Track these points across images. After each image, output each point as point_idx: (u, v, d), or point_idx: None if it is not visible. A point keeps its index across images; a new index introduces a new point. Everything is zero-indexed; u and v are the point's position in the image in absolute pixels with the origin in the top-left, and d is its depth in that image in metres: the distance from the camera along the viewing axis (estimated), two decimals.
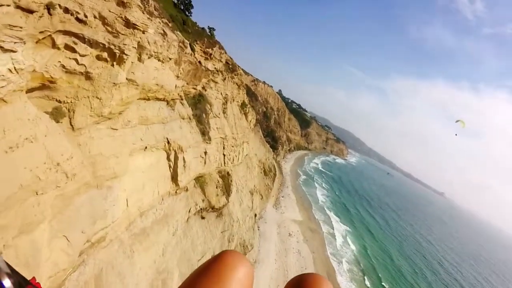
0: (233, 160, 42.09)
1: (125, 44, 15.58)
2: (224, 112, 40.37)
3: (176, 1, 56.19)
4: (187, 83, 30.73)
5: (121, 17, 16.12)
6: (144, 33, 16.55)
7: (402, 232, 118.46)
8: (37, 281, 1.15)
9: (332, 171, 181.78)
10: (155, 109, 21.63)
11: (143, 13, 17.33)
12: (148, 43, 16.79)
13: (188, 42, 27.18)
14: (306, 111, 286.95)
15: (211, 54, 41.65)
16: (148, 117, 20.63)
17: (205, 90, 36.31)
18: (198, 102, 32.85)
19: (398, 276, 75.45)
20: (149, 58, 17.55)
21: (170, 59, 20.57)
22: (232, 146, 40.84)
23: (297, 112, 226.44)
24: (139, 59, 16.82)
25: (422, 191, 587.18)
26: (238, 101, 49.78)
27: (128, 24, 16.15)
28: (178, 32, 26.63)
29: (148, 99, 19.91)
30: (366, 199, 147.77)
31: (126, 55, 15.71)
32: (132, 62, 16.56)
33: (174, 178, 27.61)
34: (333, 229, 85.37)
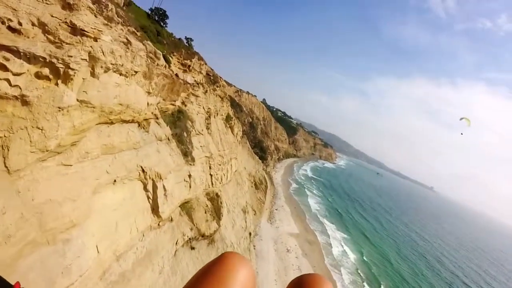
0: (221, 179, 38.39)
1: (71, 56, 11.98)
2: (208, 128, 36.82)
3: (150, 12, 52.90)
4: (163, 99, 27.13)
5: (66, 22, 12.57)
6: (96, 40, 12.99)
7: (397, 232, 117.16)
8: (21, 286, 1.10)
9: (322, 177, 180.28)
10: (123, 134, 17.94)
11: (96, 16, 13.81)
12: (103, 53, 13.20)
13: (160, 53, 23.66)
14: (292, 118, 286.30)
15: (189, 66, 38.24)
16: (114, 145, 16.90)
17: (185, 106, 32.74)
18: (177, 120, 29.23)
19: (400, 281, 73.33)
20: (106, 72, 13.94)
21: (135, 72, 16.99)
22: (219, 165, 37.17)
23: (283, 120, 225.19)
24: (93, 74, 13.20)
25: (412, 188, 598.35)
26: (222, 114, 46.31)
27: (75, 30, 12.59)
28: (149, 43, 23.14)
29: (112, 123, 16.22)
30: (359, 202, 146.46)
31: (73, 69, 12.10)
32: (83, 79, 12.93)
33: (155, 209, 23.78)
34: (330, 238, 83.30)
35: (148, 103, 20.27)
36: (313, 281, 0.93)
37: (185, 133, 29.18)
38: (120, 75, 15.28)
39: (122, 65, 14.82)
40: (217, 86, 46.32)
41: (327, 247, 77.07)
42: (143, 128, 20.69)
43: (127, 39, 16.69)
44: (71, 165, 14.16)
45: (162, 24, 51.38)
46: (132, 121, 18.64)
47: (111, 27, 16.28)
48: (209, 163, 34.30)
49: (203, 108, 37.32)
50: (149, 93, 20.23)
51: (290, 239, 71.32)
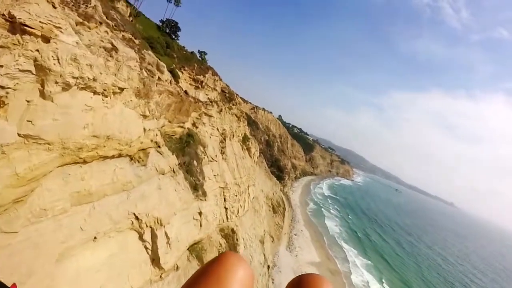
0: (238, 211, 33.13)
1: (0, 66, 7.25)
2: (222, 153, 31.91)
3: (160, 24, 49.31)
4: (169, 121, 22.40)
5: (4, 15, 7.90)
6: (48, 42, 8.29)
7: (419, 255, 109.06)
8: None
9: (339, 195, 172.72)
10: (107, 174, 13.09)
11: (55, 7, 9.14)
12: (59, 61, 8.45)
13: (164, 66, 19.09)
14: (308, 135, 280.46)
15: (202, 82, 33.74)
16: (91, 191, 12.02)
17: (196, 127, 27.97)
18: (186, 145, 24.39)
19: None
20: (65, 90, 9.15)
21: (121, 89, 12.26)
22: (236, 195, 31.99)
23: (299, 136, 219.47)
24: (43, 94, 8.45)
25: (432, 203, 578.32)
26: (239, 135, 41.43)
27: (15, 27, 7.90)
28: (150, 53, 18.58)
29: (85, 162, 11.40)
30: (377, 221, 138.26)
31: (5, 88, 7.35)
32: (27, 102, 8.18)
33: (155, 260, 18.73)
34: (351, 265, 77.22)
35: (144, 129, 15.49)
36: (313, 281, 0.92)
37: (195, 161, 24.27)
38: (94, 93, 10.49)
39: (95, 80, 10.03)
40: (233, 104, 41.67)
41: (349, 275, 70.98)
42: (138, 162, 15.84)
43: (112, 44, 12.06)
44: (16, 232, 9.32)
45: (173, 36, 47.62)
46: (120, 155, 13.81)
47: (89, 27, 11.62)
48: (223, 195, 29.17)
49: (217, 129, 32.52)
50: (144, 116, 15.41)
51: (311, 269, 64.82)
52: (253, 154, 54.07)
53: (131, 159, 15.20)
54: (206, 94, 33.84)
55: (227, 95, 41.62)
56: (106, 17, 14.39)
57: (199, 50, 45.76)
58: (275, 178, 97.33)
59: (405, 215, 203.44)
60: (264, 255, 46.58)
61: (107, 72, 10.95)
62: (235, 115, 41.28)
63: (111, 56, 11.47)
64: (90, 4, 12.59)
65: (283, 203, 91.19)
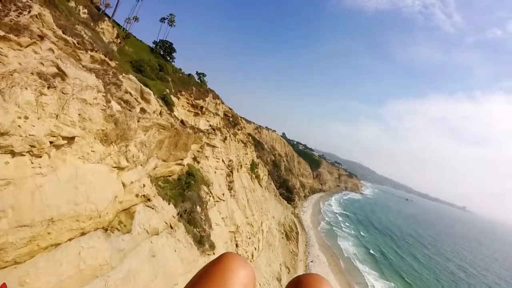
0: (252, 255, 28.12)
1: None
2: (230, 189, 27.25)
3: (154, 46, 45.66)
4: (163, 160, 17.91)
5: None
6: None
7: (438, 269, 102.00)
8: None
9: (351, 211, 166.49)
10: (69, 262, 8.52)
11: None
12: None
13: (150, 93, 14.79)
14: (313, 151, 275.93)
15: (202, 107, 29.50)
16: None
17: (198, 162, 23.44)
18: (186, 187, 19.77)
19: None
20: None
21: (70, 138, 7.84)
22: (249, 238, 27.07)
23: (305, 153, 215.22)
24: None
25: (444, 209, 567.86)
26: (246, 164, 36.86)
27: None
28: (132, 77, 14.32)
29: (17, 263, 6.85)
30: (390, 236, 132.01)
31: None
32: None
33: None
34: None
35: (124, 184, 11.04)
36: (312, 281, 0.91)
37: (198, 206, 19.62)
38: (13, 155, 6.05)
39: (7, 133, 5.59)
40: (238, 129, 37.31)
41: None
42: (118, 230, 11.30)
43: (58, 68, 7.80)
44: None
45: (168, 58, 43.91)
46: (84, 233, 9.25)
47: (19, 44, 7.36)
48: (235, 241, 24.28)
49: (223, 161, 27.98)
50: (120, 168, 10.88)
51: None
52: (262, 179, 49.47)
53: (107, 230, 10.62)
54: (208, 121, 29.55)
55: (230, 119, 37.37)
56: (63, 31, 10.14)
57: (197, 72, 41.79)
58: (285, 201, 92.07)
59: (417, 225, 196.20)
60: None
61: (39, 115, 6.59)
62: (241, 141, 36.84)
63: (51, 86, 7.16)
64: (28, 12, 8.33)
65: (295, 227, 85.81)
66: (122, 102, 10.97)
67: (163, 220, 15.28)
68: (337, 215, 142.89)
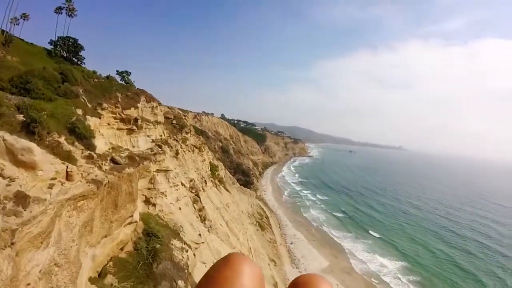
0: None
1: None
2: (204, 220, 20.28)
3: (52, 47, 34.82)
4: (104, 237, 10.40)
5: None
6: None
7: (398, 213, 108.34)
8: None
9: (304, 177, 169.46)
10: None
11: None
12: None
13: (33, 148, 7.18)
14: (255, 125, 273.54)
15: (137, 120, 21.50)
16: None
17: (153, 205, 16.00)
18: (153, 258, 12.51)
19: (469, 277, 63.42)
20: None
21: None
22: None
23: (248, 130, 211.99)
24: None
25: (384, 153, 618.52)
26: (207, 172, 29.75)
27: None
28: None
29: None
30: (346, 193, 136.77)
31: None
32: None
33: None
34: (356, 252, 72.24)
35: None
36: (312, 281, 0.92)
37: (180, 280, 12.57)
38: None
39: None
40: (187, 132, 29.67)
41: (359, 264, 66.10)
42: None
43: None
44: None
45: (75, 59, 33.82)
46: None
47: None
48: None
49: (183, 185, 20.69)
50: None
51: (327, 277, 55.97)
52: (223, 178, 42.87)
53: None
54: (148, 136, 21.74)
55: (174, 122, 29.46)
56: None
57: (118, 71, 32.32)
58: (247, 189, 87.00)
59: (366, 174, 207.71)
60: None
61: None
62: (194, 146, 29.37)
63: None
64: None
65: (264, 212, 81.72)
66: None
67: None
68: (293, 185, 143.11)
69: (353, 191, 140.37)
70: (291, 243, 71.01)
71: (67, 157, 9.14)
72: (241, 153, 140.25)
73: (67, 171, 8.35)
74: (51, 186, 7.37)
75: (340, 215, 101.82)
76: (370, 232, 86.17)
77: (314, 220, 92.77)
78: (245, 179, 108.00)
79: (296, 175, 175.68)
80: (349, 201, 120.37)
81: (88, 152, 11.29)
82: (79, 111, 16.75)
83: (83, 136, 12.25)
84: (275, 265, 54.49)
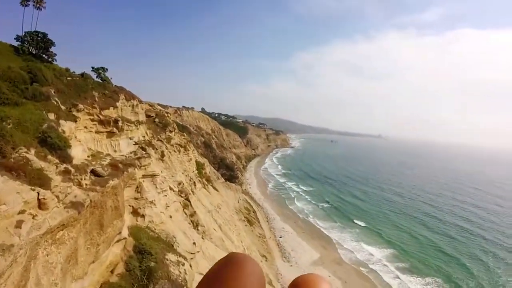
0: None
1: None
2: (196, 226, 18.89)
3: (19, 44, 31.92)
4: (91, 263, 8.91)
5: None
6: None
7: (381, 201, 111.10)
8: None
9: (286, 168, 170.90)
10: None
11: None
12: None
13: None
14: (236, 118, 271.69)
15: (117, 121, 19.69)
16: None
17: (143, 217, 14.51)
18: (148, 278, 11.12)
19: (457, 262, 65.87)
20: None
21: None
22: None
23: (230, 123, 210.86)
24: None
25: (364, 141, 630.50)
26: (194, 171, 28.22)
27: None
28: None
29: None
30: (329, 183, 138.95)
31: None
32: None
33: None
34: (344, 242, 73.77)
35: None
36: (311, 281, 0.91)
37: None
38: None
39: None
40: (171, 131, 27.93)
41: (349, 254, 67.42)
42: None
43: None
44: None
45: (45, 56, 31.19)
46: None
47: None
48: None
49: (171, 189, 19.18)
50: None
51: (318, 270, 56.50)
52: (210, 176, 41.45)
53: None
54: (131, 138, 19.91)
55: (156, 120, 27.66)
56: None
57: (93, 68, 29.89)
58: (233, 184, 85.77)
59: (347, 163, 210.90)
60: None
61: None
62: (179, 145, 27.70)
63: None
64: None
65: (251, 206, 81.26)
66: None
67: None
68: (277, 177, 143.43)
69: (336, 180, 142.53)
70: (281, 237, 70.87)
71: (38, 178, 7.53)
72: (224, 147, 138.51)
73: (38, 199, 6.78)
74: (19, 224, 5.79)
75: (325, 205, 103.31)
76: (355, 221, 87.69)
77: (300, 212, 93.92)
78: (230, 173, 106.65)
79: (279, 166, 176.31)
80: (333, 191, 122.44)
81: (64, 166, 9.66)
82: (51, 116, 14.89)
83: (57, 147, 10.56)
84: (266, 261, 53.92)
